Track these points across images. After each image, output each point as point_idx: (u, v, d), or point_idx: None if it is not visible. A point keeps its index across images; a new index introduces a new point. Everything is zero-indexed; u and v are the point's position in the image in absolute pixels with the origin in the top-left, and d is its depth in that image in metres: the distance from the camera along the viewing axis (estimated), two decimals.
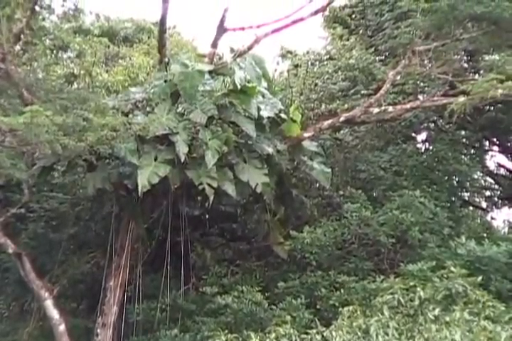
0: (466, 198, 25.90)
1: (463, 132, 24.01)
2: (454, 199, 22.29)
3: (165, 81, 17.49)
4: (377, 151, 22.46)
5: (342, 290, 16.68)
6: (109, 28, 30.18)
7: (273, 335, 13.57)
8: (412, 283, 14.02)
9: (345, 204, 19.04)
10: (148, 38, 29.68)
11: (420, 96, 22.07)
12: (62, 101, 15.43)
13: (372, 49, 23.96)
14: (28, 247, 19.61)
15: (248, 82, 17.28)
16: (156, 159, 16.17)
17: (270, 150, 17.53)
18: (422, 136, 24.72)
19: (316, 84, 23.75)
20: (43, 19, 19.13)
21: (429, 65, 19.59)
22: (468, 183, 23.48)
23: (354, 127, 22.95)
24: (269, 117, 18.11)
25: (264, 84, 18.76)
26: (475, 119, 22.52)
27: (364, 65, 22.79)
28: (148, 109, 17.88)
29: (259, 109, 17.60)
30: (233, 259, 20.71)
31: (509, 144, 25.11)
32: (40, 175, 18.35)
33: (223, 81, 18.18)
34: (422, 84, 22.13)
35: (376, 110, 18.83)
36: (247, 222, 22.35)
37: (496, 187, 26.77)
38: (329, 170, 19.25)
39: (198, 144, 16.67)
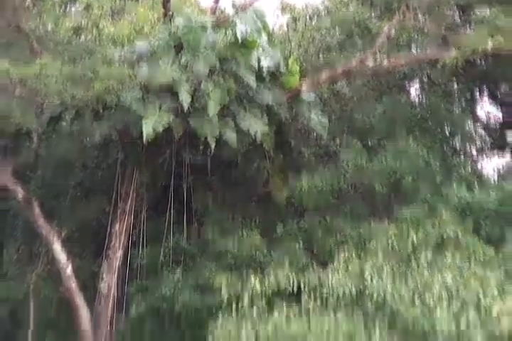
0: (458, 147, 26.30)
1: (455, 85, 24.33)
2: (445, 148, 22.72)
3: (169, 33, 17.81)
4: (373, 100, 22.82)
5: (338, 235, 17.29)
6: None
7: (272, 277, 14.29)
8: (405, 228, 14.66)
9: (342, 152, 19.60)
10: None
11: (414, 50, 22.44)
12: (71, 53, 15.88)
13: (369, 3, 24.17)
14: (37, 194, 19.89)
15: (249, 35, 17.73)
16: (160, 108, 16.66)
17: (270, 98, 18.07)
18: (416, 88, 25.05)
19: (314, 38, 24.11)
20: None
21: (423, 19, 19.92)
22: (459, 133, 23.84)
23: (350, 79, 23.33)
24: (269, 67, 18.41)
25: (265, 37, 19.07)
26: (465, 71, 22.81)
27: (360, 19, 23.06)
28: (153, 60, 18.28)
29: (259, 61, 17.99)
30: (234, 204, 21.16)
31: (499, 95, 25.46)
32: (49, 124, 18.83)
33: (225, 34, 18.41)
34: (416, 37, 22.43)
35: (371, 63, 19.24)
36: (247, 168, 22.79)
37: (487, 137, 27.14)
38: (326, 120, 19.53)
39: (201, 95, 17.11)
